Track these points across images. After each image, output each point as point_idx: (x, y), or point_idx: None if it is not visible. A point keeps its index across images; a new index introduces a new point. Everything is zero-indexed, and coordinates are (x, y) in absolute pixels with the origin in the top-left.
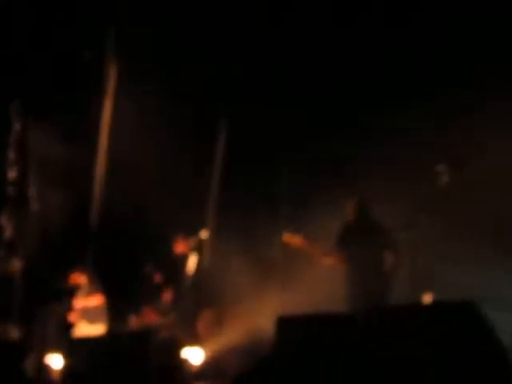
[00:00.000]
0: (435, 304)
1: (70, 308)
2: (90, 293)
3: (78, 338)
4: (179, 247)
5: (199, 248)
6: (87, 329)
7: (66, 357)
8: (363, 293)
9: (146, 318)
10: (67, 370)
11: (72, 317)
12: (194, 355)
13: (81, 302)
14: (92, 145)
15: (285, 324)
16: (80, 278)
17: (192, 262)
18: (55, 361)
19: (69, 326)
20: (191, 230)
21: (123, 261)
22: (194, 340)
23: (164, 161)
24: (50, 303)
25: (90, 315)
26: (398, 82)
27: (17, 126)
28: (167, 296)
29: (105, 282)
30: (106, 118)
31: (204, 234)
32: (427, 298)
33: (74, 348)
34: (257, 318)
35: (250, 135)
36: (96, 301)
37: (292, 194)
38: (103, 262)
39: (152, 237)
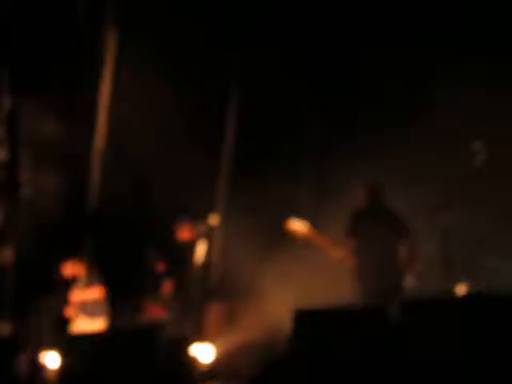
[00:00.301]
0: (471, 296)
1: (66, 301)
2: (88, 284)
3: (75, 334)
4: (184, 233)
5: (208, 235)
6: (86, 324)
7: (62, 355)
8: (374, 287)
9: (151, 312)
10: (64, 370)
11: (69, 311)
12: (203, 353)
13: (79, 295)
14: (90, 123)
15: (304, 318)
16: (77, 269)
17: (200, 251)
18: (51, 359)
19: (65, 322)
20: (199, 215)
21: (125, 249)
22: (203, 336)
23: (169, 138)
24: (45, 296)
25: (88, 309)
26: (433, 52)
27: (6, 102)
28: (167, 287)
29: (105, 272)
30: (105, 93)
31: (214, 219)
32: (462, 290)
33: (71, 345)
34: (272, 311)
35: (265, 103)
36: (95, 293)
37: (315, 170)
38: (103, 251)
39: (156, 222)
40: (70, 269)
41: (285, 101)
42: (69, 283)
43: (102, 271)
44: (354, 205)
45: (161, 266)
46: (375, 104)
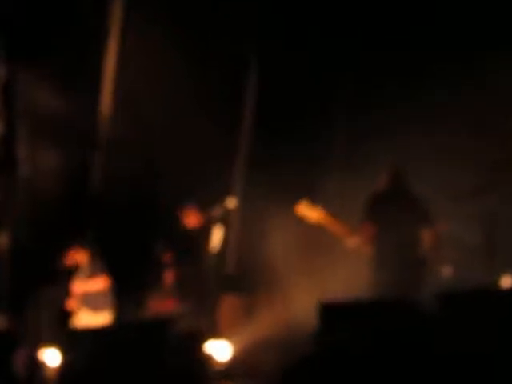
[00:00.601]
0: None
1: (67, 293)
2: (92, 274)
3: (77, 328)
4: (191, 220)
5: (225, 220)
6: (89, 318)
7: (63, 352)
8: (394, 277)
9: (158, 305)
10: (64, 368)
11: (70, 303)
12: (219, 350)
13: (81, 286)
14: (94, 94)
15: (330, 311)
16: (80, 257)
17: (216, 237)
18: (50, 356)
19: (66, 315)
20: (214, 198)
21: (131, 236)
22: (219, 332)
23: (181, 112)
24: (44, 287)
25: (92, 301)
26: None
27: (1, 71)
28: (169, 278)
29: (109, 261)
30: (110, 62)
31: (230, 202)
32: (507, 282)
33: (72, 341)
34: (294, 303)
35: (286, 74)
36: (99, 284)
37: (341, 148)
38: (107, 238)
39: (165, 207)
40: (72, 257)
41: (308, 73)
42: (70, 273)
43: (105, 260)
44: (374, 188)
45: (167, 257)
46: (407, 75)
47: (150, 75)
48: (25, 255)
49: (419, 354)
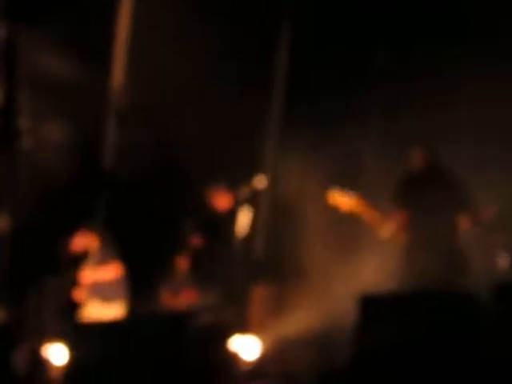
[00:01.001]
0: None
1: (75, 282)
2: (102, 261)
3: (86, 321)
4: (221, 201)
5: (253, 201)
6: (99, 310)
7: (69, 347)
8: (429, 267)
9: (182, 295)
10: (72, 366)
11: (78, 293)
12: (246, 347)
13: (90, 274)
14: (105, 59)
15: (371, 305)
16: (89, 241)
17: (243, 221)
18: (56, 353)
19: (74, 306)
20: (241, 176)
21: (146, 217)
22: (246, 326)
23: (202, 81)
24: (48, 275)
25: (103, 291)
26: None
27: (2, 33)
28: (183, 263)
29: (122, 246)
30: (123, 22)
31: (260, 182)
32: None
33: (80, 336)
34: (332, 296)
35: (319, 40)
36: (111, 272)
37: (381, 122)
38: (119, 220)
39: (185, 186)
40: (80, 241)
41: (345, 39)
42: (78, 259)
43: (119, 245)
44: (406, 169)
45: (196, 240)
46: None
47: (167, 35)
48: (27, 239)
49: (472, 352)
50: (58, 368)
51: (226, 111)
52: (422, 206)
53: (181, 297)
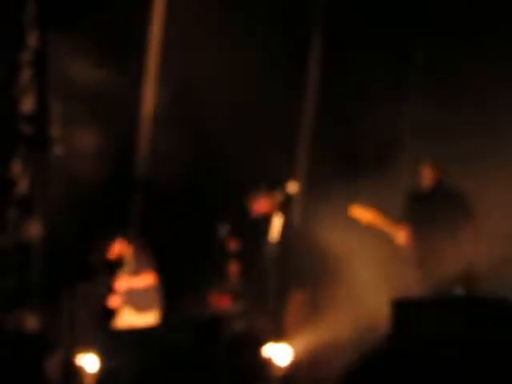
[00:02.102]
0: None
1: (109, 289)
2: (137, 270)
3: (118, 329)
4: (261, 205)
5: (286, 206)
6: (134, 318)
7: (102, 356)
8: (436, 274)
9: (216, 302)
10: (105, 374)
11: (112, 302)
12: (280, 353)
13: (125, 282)
14: (137, 66)
15: (407, 311)
16: (124, 249)
17: (276, 226)
18: (89, 361)
19: (108, 315)
20: (275, 181)
21: (181, 224)
22: (280, 332)
23: (239, 87)
24: (81, 283)
25: (137, 300)
26: None
27: (32, 40)
28: (233, 269)
29: (157, 254)
30: (156, 27)
31: (293, 187)
32: None
33: (113, 343)
34: (365, 301)
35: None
36: (146, 280)
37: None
38: (154, 227)
39: (222, 190)
40: (115, 249)
41: (381, 38)
42: (113, 267)
43: (154, 253)
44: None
45: (233, 244)
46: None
47: (202, 43)
48: (59, 246)
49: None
50: (90, 376)
51: (262, 118)
52: (428, 222)
53: (225, 301)
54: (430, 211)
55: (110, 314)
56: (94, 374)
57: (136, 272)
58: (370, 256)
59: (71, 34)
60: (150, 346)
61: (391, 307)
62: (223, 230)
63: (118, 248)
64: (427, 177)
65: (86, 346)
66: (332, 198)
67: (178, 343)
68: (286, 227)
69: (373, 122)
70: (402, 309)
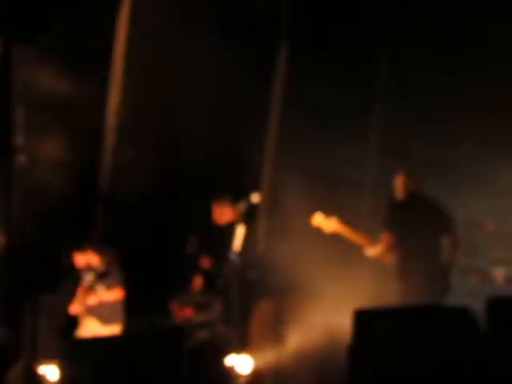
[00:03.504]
0: None
1: (72, 300)
2: (109, 285)
3: (80, 339)
4: (225, 215)
5: (250, 216)
6: (99, 330)
7: (63, 365)
8: (418, 285)
9: (179, 313)
10: (65, 383)
11: (76, 311)
12: (242, 363)
13: (96, 297)
14: (104, 74)
15: (366, 320)
16: (89, 259)
17: (239, 236)
18: (50, 370)
19: (71, 325)
20: (239, 192)
21: (146, 235)
22: (244, 342)
23: (204, 94)
24: (45, 294)
25: (103, 312)
26: None
27: None
28: (198, 280)
29: (125, 264)
30: (122, 36)
31: (256, 198)
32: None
33: (74, 353)
34: (334, 312)
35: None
36: (116, 295)
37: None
38: (119, 237)
39: (187, 202)
40: (80, 259)
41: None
42: (77, 277)
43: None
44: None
45: (206, 263)
46: None
47: (166, 52)
48: (22, 257)
49: (467, 368)
50: None
51: (227, 128)
52: (408, 230)
53: (185, 312)
54: (409, 220)
55: (73, 324)
56: (56, 383)
57: (108, 287)
58: (336, 266)
59: (35, 43)
60: (111, 355)
61: (353, 318)
62: (192, 242)
63: (84, 258)
64: (400, 188)
65: (48, 356)
66: (296, 208)
67: (140, 353)
68: (250, 237)
69: None
70: (364, 319)
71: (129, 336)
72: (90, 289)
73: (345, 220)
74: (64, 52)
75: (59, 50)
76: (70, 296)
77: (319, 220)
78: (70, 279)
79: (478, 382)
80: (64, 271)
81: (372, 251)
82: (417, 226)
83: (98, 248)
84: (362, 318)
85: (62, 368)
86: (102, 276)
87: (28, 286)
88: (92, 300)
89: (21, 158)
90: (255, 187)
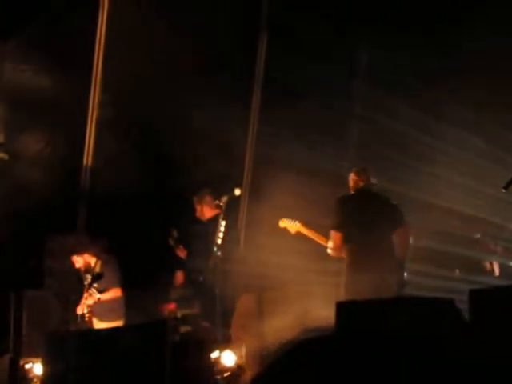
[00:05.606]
0: None
1: (57, 295)
2: (106, 286)
3: (64, 333)
4: (207, 209)
5: (230, 210)
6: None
7: (47, 359)
8: (371, 280)
9: (162, 308)
10: (49, 377)
11: (79, 311)
12: (225, 356)
13: (93, 298)
14: (85, 72)
15: (348, 313)
16: (87, 261)
17: (221, 230)
18: (35, 365)
19: (51, 319)
20: (221, 187)
21: (129, 231)
22: (226, 335)
23: (184, 93)
24: (28, 289)
25: (102, 310)
26: None
27: None
28: (179, 275)
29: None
30: (102, 32)
31: (237, 192)
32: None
33: (58, 347)
34: (312, 304)
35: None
36: (113, 295)
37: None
38: (99, 233)
39: (170, 197)
40: (79, 262)
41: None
42: (64, 275)
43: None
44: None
45: (181, 252)
46: None
47: (148, 51)
48: (5, 253)
49: (448, 361)
50: (36, 380)
51: (210, 125)
52: (358, 225)
53: (163, 309)
54: (358, 215)
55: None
56: (40, 378)
57: (103, 288)
58: (315, 258)
59: (16, 40)
60: (95, 349)
61: (336, 309)
62: (172, 237)
63: (85, 261)
64: (352, 183)
65: (32, 351)
66: (275, 203)
67: (124, 346)
68: (232, 230)
69: None
70: (345, 311)
71: (113, 329)
72: (87, 290)
73: (321, 214)
74: (45, 49)
75: (38, 47)
76: (55, 290)
77: (285, 223)
78: (52, 275)
79: (462, 373)
80: (48, 267)
81: (330, 250)
82: (365, 221)
83: (93, 248)
84: (345, 310)
85: (46, 362)
86: (96, 278)
87: (11, 282)
88: (90, 300)
89: (1, 154)
90: (238, 180)
